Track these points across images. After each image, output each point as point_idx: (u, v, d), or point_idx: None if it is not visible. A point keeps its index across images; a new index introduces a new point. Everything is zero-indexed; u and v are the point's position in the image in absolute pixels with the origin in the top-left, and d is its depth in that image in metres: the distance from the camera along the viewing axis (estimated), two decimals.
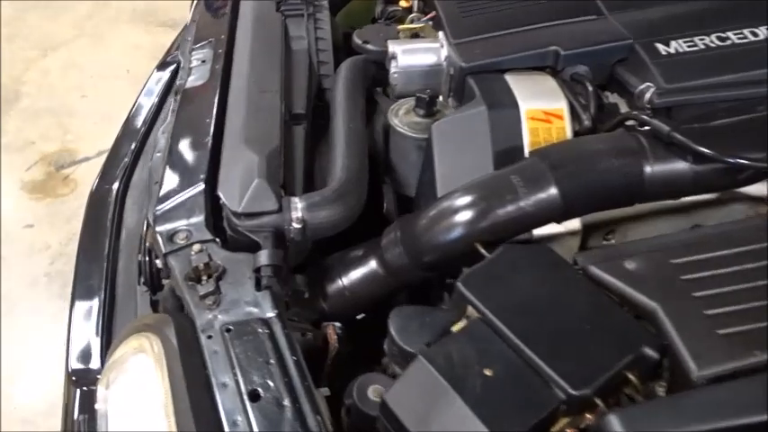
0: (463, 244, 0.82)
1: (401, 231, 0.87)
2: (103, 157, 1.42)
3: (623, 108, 0.99)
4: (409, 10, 1.30)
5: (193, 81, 1.15)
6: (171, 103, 1.20)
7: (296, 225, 0.83)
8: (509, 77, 1.00)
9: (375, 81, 1.18)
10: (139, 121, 1.46)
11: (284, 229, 0.84)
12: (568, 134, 0.94)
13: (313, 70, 1.18)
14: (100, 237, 1.23)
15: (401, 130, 1.02)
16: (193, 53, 1.24)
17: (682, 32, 0.98)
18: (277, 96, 1.04)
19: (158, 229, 0.87)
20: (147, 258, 0.93)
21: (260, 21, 1.22)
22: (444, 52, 1.09)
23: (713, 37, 0.97)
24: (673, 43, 0.97)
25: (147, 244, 0.93)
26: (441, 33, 1.11)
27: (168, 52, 1.76)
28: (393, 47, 1.10)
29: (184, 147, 1.01)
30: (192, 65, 1.21)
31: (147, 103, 1.50)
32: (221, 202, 0.86)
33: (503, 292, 0.72)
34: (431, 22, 1.23)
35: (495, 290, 0.73)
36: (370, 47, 1.12)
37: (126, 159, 1.37)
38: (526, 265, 0.75)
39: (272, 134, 0.96)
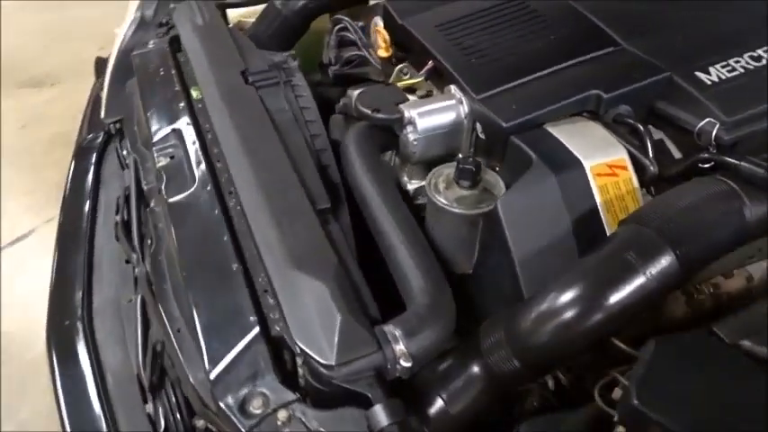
0: (586, 339, 0.73)
1: (505, 332, 0.76)
2: None
3: (671, 146, 0.94)
4: (389, 60, 1.18)
5: (176, 189, 0.96)
6: (148, 219, 1.01)
7: (404, 363, 0.70)
8: (555, 131, 0.91)
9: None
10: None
11: (388, 369, 0.70)
12: (635, 185, 0.87)
13: (311, 148, 1.03)
14: None
15: (452, 209, 0.90)
16: (156, 148, 1.04)
17: (714, 57, 0.95)
18: (301, 193, 0.89)
19: (223, 402, 0.70)
20: None
21: (234, 101, 1.05)
22: (465, 108, 0.98)
23: (746, 57, 0.94)
24: (712, 70, 0.93)
25: (202, 425, 0.76)
26: (453, 87, 1.00)
27: (81, 134, 1.53)
28: (409, 111, 0.98)
29: (207, 281, 0.83)
30: (159, 163, 1.02)
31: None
32: (302, 352, 0.71)
33: (678, 399, 0.64)
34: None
35: (671, 399, 0.64)
36: (382, 116, 0.98)
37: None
38: (689, 361, 0.67)
39: (323, 248, 0.81)
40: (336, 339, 0.70)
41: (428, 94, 1.14)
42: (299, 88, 1.11)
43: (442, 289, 0.78)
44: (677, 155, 0.93)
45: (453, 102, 0.99)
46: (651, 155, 0.89)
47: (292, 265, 0.78)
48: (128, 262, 1.17)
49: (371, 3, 1.41)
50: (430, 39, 1.08)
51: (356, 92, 1.02)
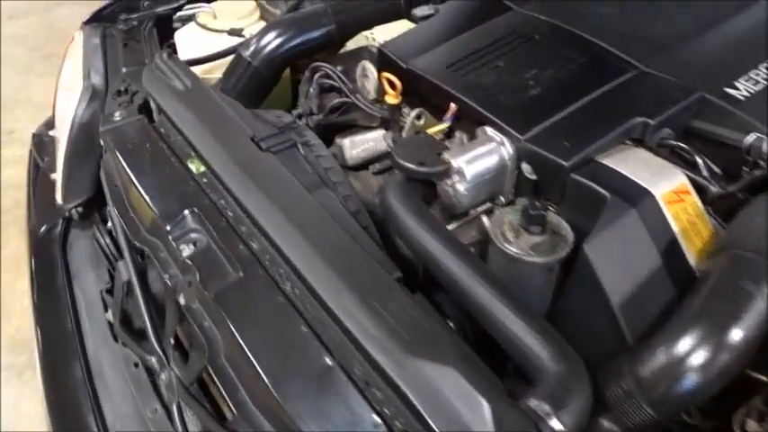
0: (722, 378, 0.71)
1: (633, 382, 0.73)
2: None
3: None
4: (397, 106, 1.12)
5: (215, 279, 0.86)
6: (168, 315, 0.89)
7: None
8: (612, 163, 0.90)
9: None
10: None
11: None
12: (701, 208, 0.88)
13: (348, 211, 0.96)
14: None
15: (531, 259, 0.86)
16: (172, 236, 0.93)
17: (735, 72, 0.98)
18: (373, 264, 0.82)
19: None
20: None
21: (256, 172, 0.95)
22: (508, 149, 0.95)
23: (762, 69, 0.99)
24: (739, 85, 0.96)
25: None
26: (489, 129, 0.97)
27: (30, 221, 1.34)
28: (456, 161, 0.93)
29: (305, 386, 0.73)
30: (183, 253, 0.91)
31: None
32: None
33: None
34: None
35: None
36: (427, 169, 0.93)
37: None
38: None
39: (430, 325, 0.74)
40: (492, 428, 0.63)
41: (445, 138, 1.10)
42: (317, 147, 1.03)
43: (567, 348, 0.74)
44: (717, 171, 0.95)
45: (495, 144, 0.96)
46: (706, 174, 0.90)
47: (404, 349, 0.71)
48: (136, 365, 1.04)
49: (347, 48, 1.35)
50: (447, 81, 1.04)
51: (392, 142, 0.96)
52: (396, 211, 0.92)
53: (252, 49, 1.30)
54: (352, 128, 1.35)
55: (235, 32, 1.44)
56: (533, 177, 0.95)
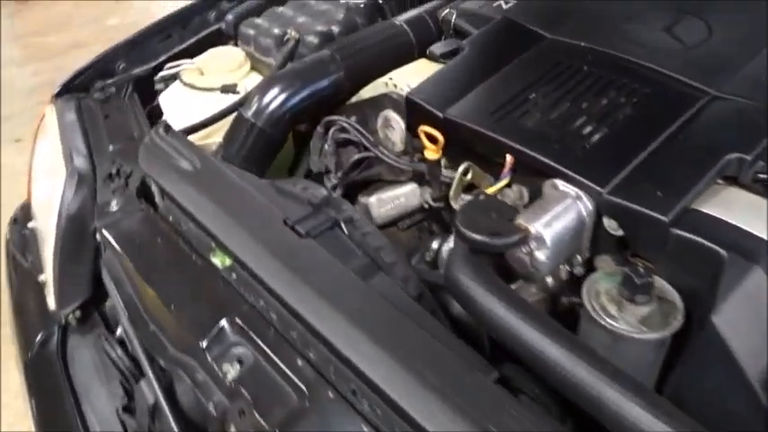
0: None
1: None
2: None
3: None
4: (438, 162, 0.99)
5: (273, 404, 0.72)
6: None
7: None
8: (713, 211, 0.78)
9: None
10: None
11: None
12: None
13: (410, 296, 0.82)
14: None
15: (644, 336, 0.73)
16: (211, 355, 0.78)
17: None
18: (476, 372, 0.68)
19: None
20: None
21: (300, 264, 0.81)
22: (587, 205, 0.83)
23: None
24: None
25: None
26: (559, 182, 0.84)
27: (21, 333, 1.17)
28: (534, 227, 0.80)
29: None
30: (228, 375, 0.76)
31: None
32: None
33: None
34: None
35: None
36: (504, 241, 0.79)
37: None
38: None
39: None
40: None
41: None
42: (360, 223, 0.89)
43: None
44: None
45: (570, 200, 0.83)
46: None
47: None
48: None
49: (353, 99, 1.22)
50: (497, 129, 0.91)
51: (459, 212, 0.82)
52: (472, 293, 0.78)
53: (254, 108, 1.15)
54: (372, 183, 1.22)
55: (228, 89, 1.29)
56: (618, 233, 0.83)
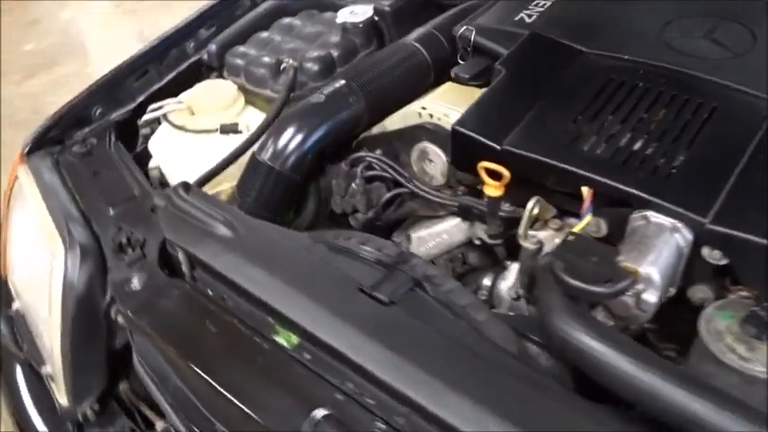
0: None
1: None
2: None
3: None
4: (497, 199, 0.91)
5: None
6: None
7: None
8: None
9: None
10: None
11: None
12: None
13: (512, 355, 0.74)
14: None
15: None
16: None
17: None
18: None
19: None
20: None
21: (396, 339, 0.71)
22: (686, 235, 0.77)
23: None
24: None
25: None
26: (652, 214, 0.78)
27: None
28: (644, 267, 0.74)
29: None
30: None
31: None
32: None
33: None
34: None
35: None
36: (616, 288, 0.72)
37: None
38: None
39: None
40: None
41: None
42: (439, 279, 0.80)
43: None
44: None
45: (668, 233, 0.77)
46: None
47: None
48: None
49: (375, 130, 1.12)
50: (569, 159, 0.84)
51: (557, 259, 0.74)
52: (588, 348, 0.71)
53: (271, 150, 1.04)
54: (404, 221, 1.13)
55: (229, 129, 1.17)
56: (720, 263, 0.77)
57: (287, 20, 1.38)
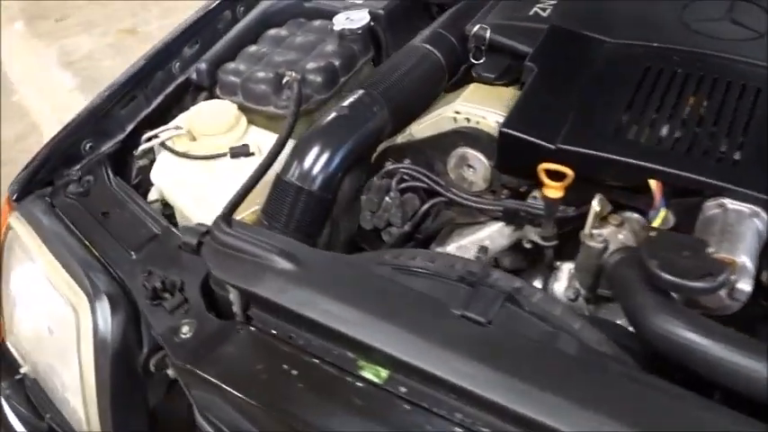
0: None
1: None
2: None
3: None
4: (556, 201, 0.88)
5: None
6: None
7: None
8: None
9: None
10: None
11: None
12: None
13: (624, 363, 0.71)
14: None
15: None
16: None
17: None
18: None
19: None
20: None
21: (498, 360, 0.67)
22: (765, 220, 0.77)
23: None
24: None
25: None
26: (728, 201, 0.78)
27: None
28: (741, 258, 0.73)
29: None
30: None
31: None
32: None
33: None
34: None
35: None
36: (714, 282, 0.70)
37: None
38: None
39: None
40: None
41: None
42: (527, 291, 0.76)
43: None
44: None
45: (748, 218, 0.77)
46: None
47: None
48: None
49: (401, 139, 1.07)
50: (635, 154, 0.83)
51: (649, 256, 0.71)
52: (691, 344, 0.69)
53: (297, 170, 0.97)
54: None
55: (239, 152, 1.08)
56: None
57: (274, 31, 1.31)
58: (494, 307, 0.72)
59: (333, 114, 1.01)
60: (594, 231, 0.86)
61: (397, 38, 1.29)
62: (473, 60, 1.11)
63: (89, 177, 1.06)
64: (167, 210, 1.13)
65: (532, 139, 0.88)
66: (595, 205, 0.85)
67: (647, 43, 0.98)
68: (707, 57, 0.94)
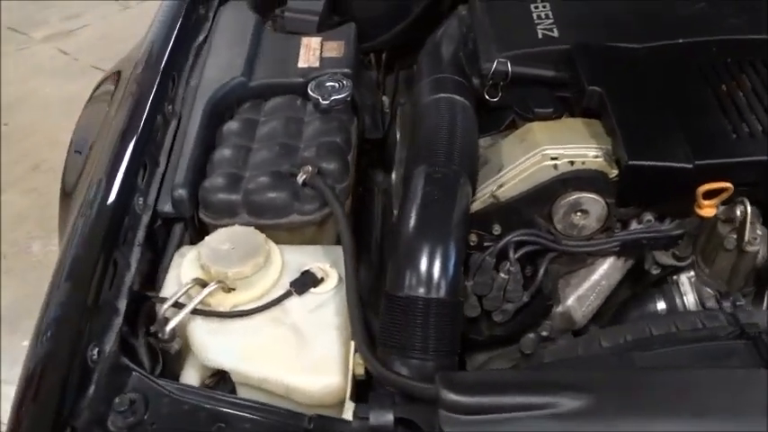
0: None
1: None
2: None
3: None
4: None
5: None
6: None
7: None
8: None
9: None
10: None
11: None
12: None
13: None
14: None
15: None
16: None
17: None
18: None
19: None
20: None
21: None
22: None
23: None
24: None
25: None
26: None
27: None
28: None
29: None
30: None
31: None
32: None
33: None
34: None
35: None
36: None
37: None
38: None
39: None
40: None
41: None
42: None
43: None
44: None
45: None
46: None
47: None
48: None
49: (479, 205, 0.94)
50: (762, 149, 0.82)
51: None
52: None
53: (414, 280, 0.79)
54: None
55: (304, 284, 0.84)
56: None
57: (234, 126, 1.04)
58: None
59: (420, 205, 0.84)
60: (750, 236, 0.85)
61: (359, 93, 1.14)
62: (487, 97, 1.03)
63: (132, 396, 0.73)
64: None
65: (666, 163, 0.83)
66: (747, 210, 0.83)
67: (675, 41, 0.99)
68: (739, 42, 0.98)
